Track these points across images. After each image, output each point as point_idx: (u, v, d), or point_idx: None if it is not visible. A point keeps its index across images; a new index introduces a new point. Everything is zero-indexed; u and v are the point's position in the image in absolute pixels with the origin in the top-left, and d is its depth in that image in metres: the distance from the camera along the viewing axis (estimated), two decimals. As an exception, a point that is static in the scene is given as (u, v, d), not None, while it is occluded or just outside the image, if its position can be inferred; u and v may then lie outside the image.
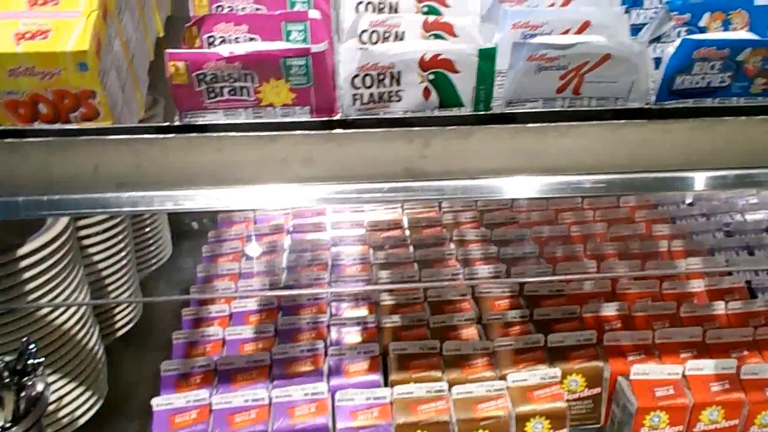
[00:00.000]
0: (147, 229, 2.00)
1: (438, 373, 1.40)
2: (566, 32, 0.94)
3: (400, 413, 1.31)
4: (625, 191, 0.93)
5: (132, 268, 1.75)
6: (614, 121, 0.89)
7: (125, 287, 1.71)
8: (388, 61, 0.83)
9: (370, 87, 0.85)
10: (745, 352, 1.45)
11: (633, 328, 1.53)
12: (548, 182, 0.93)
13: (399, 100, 0.87)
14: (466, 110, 0.89)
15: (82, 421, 1.43)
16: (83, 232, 1.54)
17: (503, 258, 1.83)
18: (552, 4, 1.00)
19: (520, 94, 0.88)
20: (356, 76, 0.84)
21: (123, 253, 1.68)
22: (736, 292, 1.68)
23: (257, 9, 0.97)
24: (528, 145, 0.90)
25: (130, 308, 1.75)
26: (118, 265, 1.66)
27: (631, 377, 1.36)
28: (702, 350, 1.45)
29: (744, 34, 0.95)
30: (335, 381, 1.39)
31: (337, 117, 0.88)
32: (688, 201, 2.20)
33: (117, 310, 1.70)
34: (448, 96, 0.87)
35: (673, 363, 1.40)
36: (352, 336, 1.53)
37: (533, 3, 1.00)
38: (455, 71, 0.85)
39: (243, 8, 0.96)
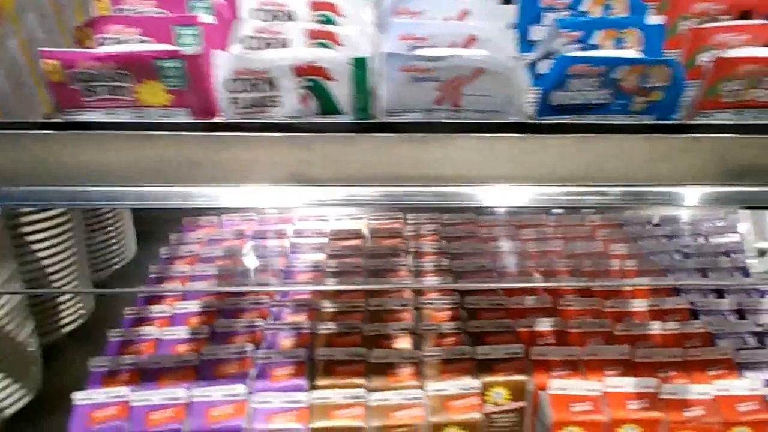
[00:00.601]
0: (109, 229, 2.03)
1: (361, 380, 1.41)
2: (452, 46, 0.95)
3: (316, 417, 1.32)
4: (507, 204, 0.94)
5: (81, 265, 1.77)
6: (493, 134, 0.90)
7: (72, 285, 1.73)
8: (261, 67, 0.85)
9: (246, 92, 0.87)
10: (672, 373, 1.44)
11: (566, 343, 1.53)
12: (433, 192, 0.95)
13: (278, 106, 0.89)
14: (347, 118, 0.91)
15: (9, 412, 1.46)
16: (25, 229, 1.57)
17: (455, 270, 1.84)
18: (447, 18, 1.01)
19: (398, 103, 0.90)
20: (232, 80, 0.86)
21: (71, 250, 1.70)
22: (678, 313, 1.67)
23: (158, 12, 0.99)
24: (410, 155, 0.91)
25: (77, 304, 1.77)
26: (65, 263, 1.68)
27: (549, 391, 1.36)
28: (629, 368, 1.44)
29: (631, 53, 0.96)
30: (259, 384, 1.41)
31: (216, 120, 0.90)
32: (655, 221, 2.20)
33: (62, 306, 1.72)
34: (325, 103, 0.89)
35: (597, 379, 1.40)
36: (284, 341, 1.54)
37: (431, 15, 1.02)
38: (330, 79, 0.87)
39: (144, 11, 0.99)
